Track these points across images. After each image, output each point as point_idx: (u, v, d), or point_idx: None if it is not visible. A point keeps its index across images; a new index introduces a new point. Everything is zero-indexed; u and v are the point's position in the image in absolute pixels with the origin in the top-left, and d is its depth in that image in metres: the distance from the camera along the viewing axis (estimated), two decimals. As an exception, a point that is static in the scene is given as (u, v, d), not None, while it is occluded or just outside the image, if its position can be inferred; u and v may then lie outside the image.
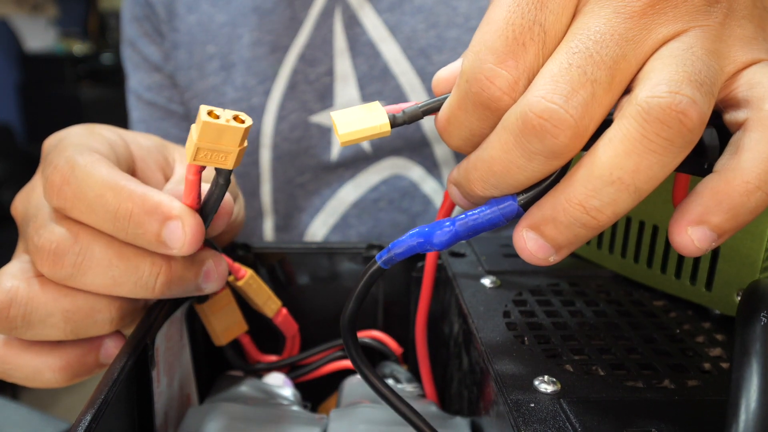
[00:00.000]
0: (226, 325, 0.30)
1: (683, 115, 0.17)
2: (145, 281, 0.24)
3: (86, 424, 0.19)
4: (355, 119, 0.22)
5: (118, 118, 0.85)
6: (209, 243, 0.27)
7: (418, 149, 0.49)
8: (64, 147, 0.24)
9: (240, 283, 0.29)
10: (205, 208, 0.24)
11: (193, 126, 0.21)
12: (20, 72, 2.43)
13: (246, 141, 0.22)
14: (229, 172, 0.23)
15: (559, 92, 0.17)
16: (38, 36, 2.48)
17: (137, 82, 0.56)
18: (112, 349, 0.26)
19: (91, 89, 2.41)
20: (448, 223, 0.20)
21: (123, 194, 0.23)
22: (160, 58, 0.55)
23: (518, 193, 0.20)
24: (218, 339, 0.30)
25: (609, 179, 0.17)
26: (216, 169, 0.23)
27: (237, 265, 0.29)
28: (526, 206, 0.20)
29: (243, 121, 0.21)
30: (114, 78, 2.48)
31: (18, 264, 0.24)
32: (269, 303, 0.31)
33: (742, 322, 0.18)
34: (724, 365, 0.22)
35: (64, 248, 0.23)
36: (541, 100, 0.17)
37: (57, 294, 0.23)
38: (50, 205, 0.24)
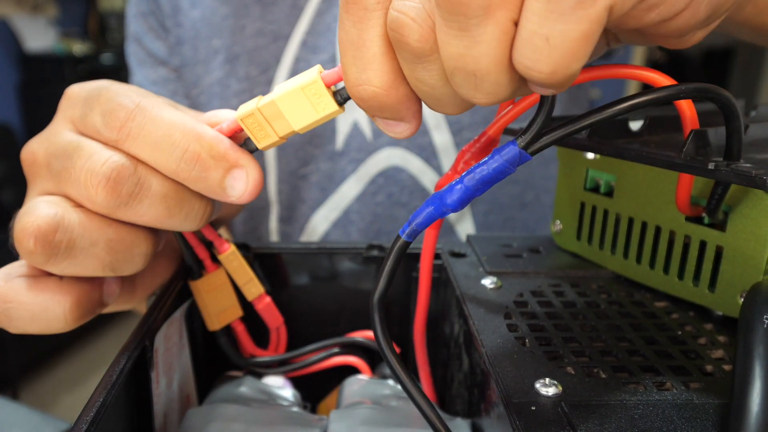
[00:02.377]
0: (220, 307, 0.30)
1: None
2: (194, 215, 0.24)
3: (86, 425, 0.19)
4: (304, 109, 0.23)
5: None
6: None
7: (416, 138, 0.49)
8: (119, 89, 0.24)
9: (221, 257, 0.30)
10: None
11: (270, 94, 0.22)
12: (20, 72, 2.43)
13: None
14: (255, 150, 0.24)
15: None
16: (38, 36, 2.48)
17: (142, 77, 0.56)
18: (113, 286, 0.25)
19: (91, 89, 2.40)
20: (457, 184, 0.20)
21: (191, 135, 0.23)
22: (165, 52, 0.55)
23: (518, 136, 0.20)
24: (212, 322, 0.30)
25: (450, 70, 0.18)
26: (247, 140, 0.24)
27: (221, 239, 0.30)
28: (527, 147, 0.19)
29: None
30: (114, 78, 2.46)
31: (48, 198, 0.23)
32: (250, 285, 0.31)
33: (744, 323, 0.18)
34: (727, 367, 0.22)
35: (123, 176, 0.22)
36: (391, 11, 0.18)
37: (102, 223, 0.23)
38: (103, 138, 0.23)
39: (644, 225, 0.27)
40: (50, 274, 0.24)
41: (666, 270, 0.27)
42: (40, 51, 2.46)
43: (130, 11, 0.57)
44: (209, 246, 0.30)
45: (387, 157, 0.50)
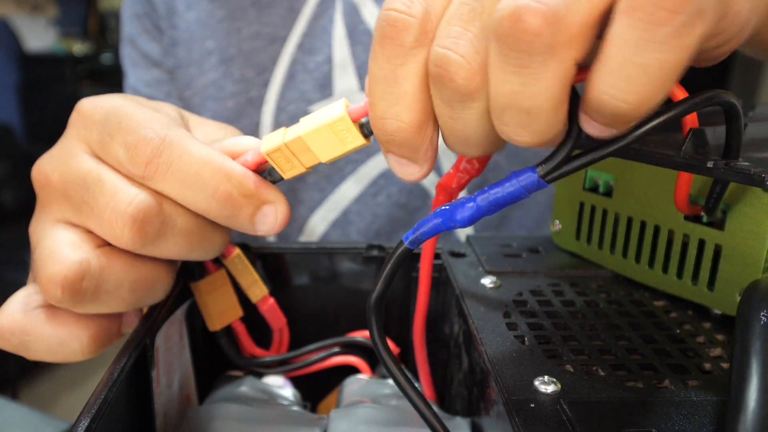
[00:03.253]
0: (221, 308, 0.30)
1: (519, 23, 0.15)
2: (214, 247, 0.24)
3: (86, 425, 0.19)
4: (331, 143, 0.23)
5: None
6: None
7: None
8: (140, 115, 0.23)
9: (226, 261, 0.30)
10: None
11: (297, 125, 0.23)
12: (20, 72, 2.43)
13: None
14: (281, 179, 0.24)
15: (450, 35, 0.17)
16: (38, 36, 2.48)
17: (136, 78, 0.56)
18: (132, 316, 0.25)
19: (91, 89, 2.41)
20: (469, 202, 0.20)
21: (222, 173, 0.22)
22: (159, 53, 0.55)
23: (538, 164, 0.19)
24: (213, 323, 0.30)
25: (500, 108, 0.17)
26: (270, 169, 0.24)
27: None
28: (546, 176, 0.19)
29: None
30: (114, 78, 2.48)
31: (72, 234, 0.23)
32: (254, 287, 0.31)
33: (742, 321, 0.18)
34: (725, 365, 0.22)
35: (150, 216, 0.22)
36: (435, 48, 0.18)
37: (126, 264, 0.23)
38: (127, 172, 0.23)
39: (643, 224, 0.28)
40: None
41: (665, 269, 0.27)
42: (40, 51, 2.47)
43: (125, 13, 0.57)
44: None
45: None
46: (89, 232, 0.23)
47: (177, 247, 0.23)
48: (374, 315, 0.21)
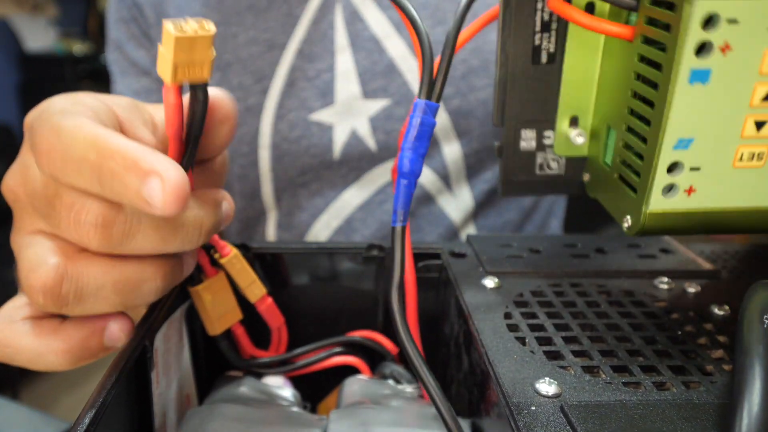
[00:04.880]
0: (221, 312, 0.30)
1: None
2: (191, 235, 0.24)
3: (85, 425, 0.19)
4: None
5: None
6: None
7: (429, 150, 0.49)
8: (49, 115, 0.23)
9: (223, 261, 0.29)
10: (192, 130, 0.24)
11: (161, 47, 0.21)
12: (20, 72, 2.43)
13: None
14: (206, 85, 0.23)
15: None
16: (38, 36, 2.48)
17: (125, 87, 0.55)
18: (116, 332, 0.25)
19: (91, 89, 2.38)
20: (403, 154, 0.23)
21: (106, 152, 0.21)
22: (148, 62, 0.54)
23: (418, 95, 0.23)
24: (213, 327, 0.30)
25: None
26: (190, 86, 0.23)
27: (223, 242, 0.30)
28: (428, 97, 0.23)
29: (208, 29, 0.21)
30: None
31: (47, 242, 0.23)
32: (253, 287, 0.31)
33: (744, 323, 0.18)
34: (727, 367, 0.22)
35: (109, 219, 0.22)
36: None
37: (105, 266, 0.23)
38: (43, 174, 0.23)
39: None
40: (54, 315, 0.24)
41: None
42: (40, 51, 2.46)
43: (111, 17, 0.55)
44: (208, 250, 0.30)
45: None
46: (63, 239, 0.23)
47: (149, 242, 0.23)
48: (398, 300, 0.23)
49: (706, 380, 0.21)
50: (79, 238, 0.22)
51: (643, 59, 0.22)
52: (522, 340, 0.24)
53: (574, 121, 0.26)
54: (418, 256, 0.32)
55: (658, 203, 0.21)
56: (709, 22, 0.19)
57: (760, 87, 0.20)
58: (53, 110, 0.23)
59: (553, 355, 0.22)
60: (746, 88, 0.20)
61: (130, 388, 0.24)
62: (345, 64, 0.49)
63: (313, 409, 0.33)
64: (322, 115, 0.50)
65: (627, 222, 0.23)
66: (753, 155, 0.21)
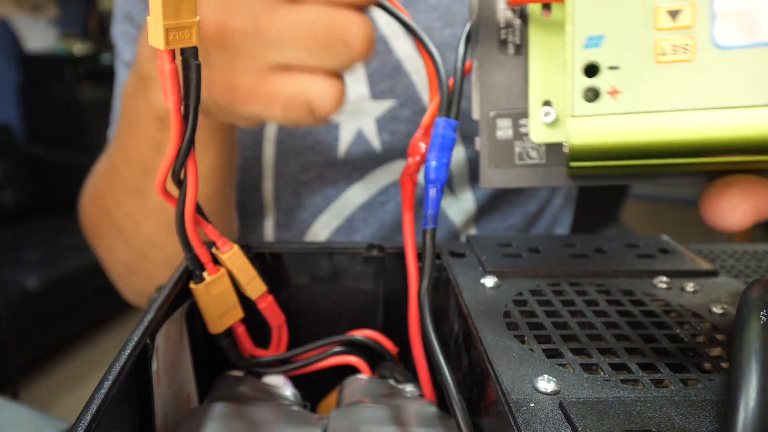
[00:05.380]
0: (223, 310, 0.30)
1: None
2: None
3: (86, 424, 0.19)
4: None
5: (118, 118, 0.84)
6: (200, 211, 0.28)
7: None
8: None
9: (224, 257, 0.30)
10: (190, 100, 0.24)
11: (149, 17, 0.22)
12: (20, 72, 2.43)
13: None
14: (197, 48, 0.23)
15: None
16: (38, 36, 2.48)
17: (131, 53, 0.52)
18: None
19: (91, 89, 2.40)
20: (429, 163, 0.26)
21: None
22: None
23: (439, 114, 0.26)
24: (215, 325, 0.30)
25: None
26: (182, 51, 0.23)
27: (223, 239, 0.30)
28: (448, 115, 0.26)
29: None
30: (114, 78, 2.48)
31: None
32: (253, 284, 0.31)
33: (741, 320, 0.18)
34: (725, 365, 0.22)
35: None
36: None
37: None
38: None
39: None
40: None
41: None
42: (40, 51, 2.47)
43: None
44: (209, 248, 0.30)
45: (401, 168, 0.50)
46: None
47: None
48: (427, 300, 0.26)
49: (704, 378, 0.21)
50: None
51: None
52: (521, 339, 0.24)
53: (547, 105, 0.26)
54: (418, 256, 0.32)
55: (582, 107, 0.20)
56: None
57: None
58: None
59: (552, 354, 0.23)
60: None
61: (131, 387, 0.24)
62: None
63: (314, 409, 0.34)
64: None
65: (565, 148, 0.22)
66: (676, 48, 0.19)
